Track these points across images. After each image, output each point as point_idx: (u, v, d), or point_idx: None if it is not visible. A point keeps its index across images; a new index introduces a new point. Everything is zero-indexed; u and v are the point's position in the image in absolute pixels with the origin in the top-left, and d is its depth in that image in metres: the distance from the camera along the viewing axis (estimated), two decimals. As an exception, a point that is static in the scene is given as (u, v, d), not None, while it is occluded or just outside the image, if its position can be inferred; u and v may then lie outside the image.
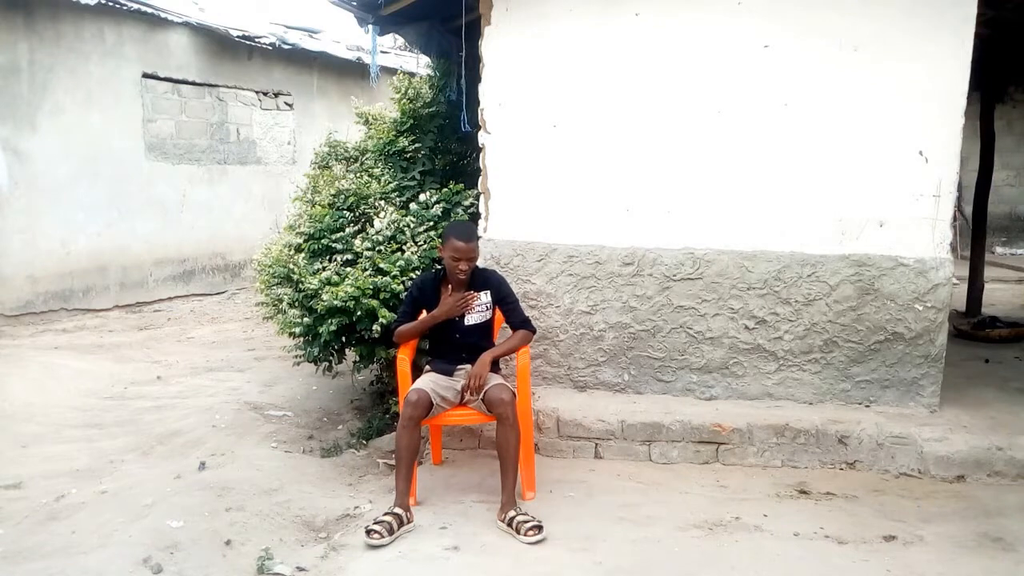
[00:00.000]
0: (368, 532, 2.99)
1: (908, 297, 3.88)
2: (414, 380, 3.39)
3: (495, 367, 3.45)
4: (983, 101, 6.17)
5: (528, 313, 4.13)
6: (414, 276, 3.83)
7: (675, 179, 4.04)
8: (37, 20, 7.08)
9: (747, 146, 3.94)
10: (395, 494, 3.19)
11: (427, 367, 3.53)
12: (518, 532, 3.02)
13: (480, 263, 4.17)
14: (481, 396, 3.27)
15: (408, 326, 3.44)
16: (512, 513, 3.10)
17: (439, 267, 3.43)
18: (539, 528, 3.02)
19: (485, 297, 3.43)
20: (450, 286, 3.44)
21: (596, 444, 3.88)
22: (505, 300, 3.48)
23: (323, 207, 4.38)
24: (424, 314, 3.46)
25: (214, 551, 2.95)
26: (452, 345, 3.46)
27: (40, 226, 7.24)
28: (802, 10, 3.81)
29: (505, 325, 3.60)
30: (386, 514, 3.09)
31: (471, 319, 3.42)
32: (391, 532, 3.01)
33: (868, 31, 3.76)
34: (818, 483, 3.57)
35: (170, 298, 8.59)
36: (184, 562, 2.86)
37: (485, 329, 3.50)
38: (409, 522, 3.11)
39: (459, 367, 3.44)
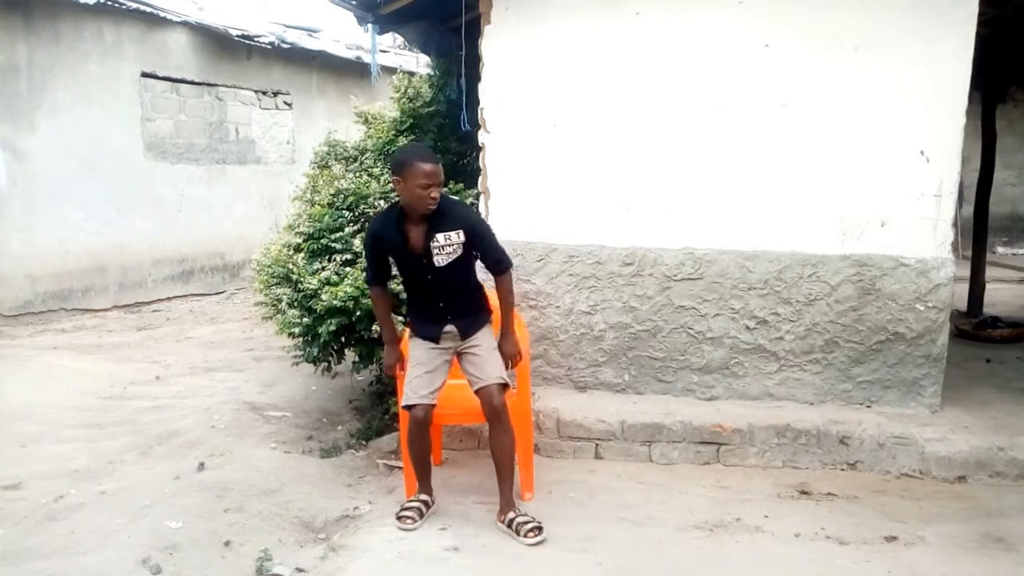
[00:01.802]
0: (400, 518, 3.16)
1: (909, 297, 3.87)
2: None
3: (483, 321, 3.23)
4: (984, 101, 6.15)
5: (528, 314, 4.15)
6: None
7: (675, 179, 4.03)
8: (36, 19, 7.07)
9: (748, 146, 3.93)
10: (417, 484, 3.28)
11: (408, 332, 3.28)
12: (518, 533, 3.00)
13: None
14: (475, 389, 3.11)
15: (377, 311, 3.30)
16: (512, 514, 3.08)
17: (394, 202, 3.01)
18: (539, 529, 3.00)
19: (457, 237, 3.02)
20: (411, 223, 3.02)
21: (596, 444, 3.87)
22: (483, 237, 3.12)
23: (322, 207, 4.37)
24: (390, 261, 3.18)
25: (213, 552, 2.94)
26: (426, 288, 3.13)
27: (39, 225, 7.23)
28: (803, 10, 3.80)
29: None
30: (413, 500, 3.24)
31: (440, 260, 3.03)
32: (421, 515, 3.18)
33: (869, 31, 3.75)
34: (819, 484, 3.56)
35: (169, 298, 8.58)
36: (183, 563, 2.85)
37: (460, 266, 3.10)
38: (434, 503, 3.29)
39: (444, 329, 3.15)
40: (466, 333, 3.17)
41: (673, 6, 3.90)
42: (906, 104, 3.77)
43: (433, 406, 3.12)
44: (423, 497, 3.25)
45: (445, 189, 4.32)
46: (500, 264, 3.15)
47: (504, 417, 3.08)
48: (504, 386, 3.11)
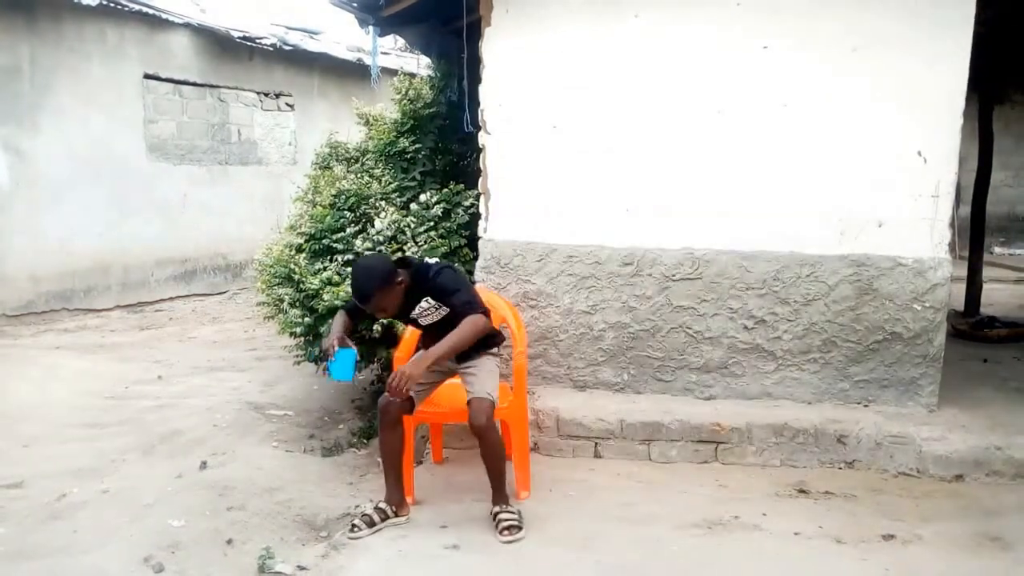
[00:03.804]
0: (351, 527, 3.09)
1: (906, 297, 3.89)
2: None
3: (479, 352, 3.22)
4: (982, 102, 6.16)
5: (528, 313, 4.17)
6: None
7: (675, 179, 4.05)
8: (39, 21, 7.10)
9: (747, 146, 3.95)
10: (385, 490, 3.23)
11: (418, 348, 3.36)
12: (496, 528, 3.05)
13: (480, 263, 4.21)
14: (467, 400, 3.11)
15: (337, 318, 3.29)
16: (497, 508, 3.12)
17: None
18: (515, 528, 3.03)
19: (427, 303, 3.15)
20: None
21: (596, 443, 3.89)
22: (441, 294, 3.12)
23: (324, 207, 4.39)
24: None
25: (215, 550, 2.97)
26: (425, 335, 3.29)
27: (42, 226, 7.26)
28: (801, 11, 3.82)
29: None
30: (373, 509, 3.16)
31: (426, 321, 3.21)
32: (371, 525, 3.09)
33: (867, 32, 3.77)
34: (817, 482, 3.58)
35: (171, 298, 8.61)
36: (185, 561, 2.87)
37: (449, 320, 3.11)
38: (395, 516, 3.18)
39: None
40: (463, 359, 3.21)
41: (672, 7, 3.93)
42: (904, 105, 3.79)
43: (406, 405, 3.13)
44: (382, 506, 3.16)
45: (445, 190, 4.39)
46: (467, 309, 3.06)
47: (488, 435, 3.08)
48: (491, 403, 3.11)
